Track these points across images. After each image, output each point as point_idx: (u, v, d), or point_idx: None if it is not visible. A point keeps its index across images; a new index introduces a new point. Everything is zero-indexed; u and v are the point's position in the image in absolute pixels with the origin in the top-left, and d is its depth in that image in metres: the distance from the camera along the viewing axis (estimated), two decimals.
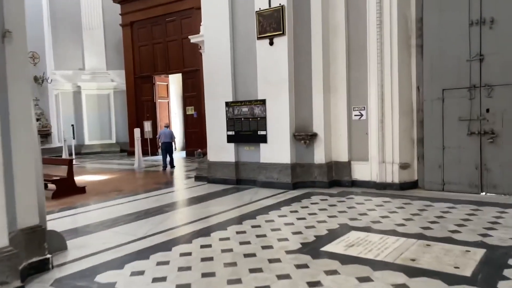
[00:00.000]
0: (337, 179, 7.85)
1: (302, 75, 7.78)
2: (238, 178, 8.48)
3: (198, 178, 9.22)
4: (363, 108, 7.63)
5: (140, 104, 16.86)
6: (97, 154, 18.23)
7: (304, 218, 5.55)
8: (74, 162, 10.09)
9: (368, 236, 4.65)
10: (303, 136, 7.69)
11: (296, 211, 5.97)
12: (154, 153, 16.21)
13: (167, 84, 17.01)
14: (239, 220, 5.62)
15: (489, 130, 6.51)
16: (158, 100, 16.58)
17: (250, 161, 8.37)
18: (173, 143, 12.42)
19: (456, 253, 3.99)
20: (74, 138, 16.30)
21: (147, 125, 12.20)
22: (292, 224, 5.31)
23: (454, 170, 6.86)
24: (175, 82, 17.46)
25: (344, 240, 4.57)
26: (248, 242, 4.60)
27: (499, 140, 6.45)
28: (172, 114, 18.43)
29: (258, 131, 8.11)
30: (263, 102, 7.99)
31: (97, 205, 7.17)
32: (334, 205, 6.28)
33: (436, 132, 7.01)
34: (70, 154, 14.86)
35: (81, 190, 8.37)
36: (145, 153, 16.45)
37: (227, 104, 8.50)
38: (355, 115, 7.73)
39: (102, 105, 18.67)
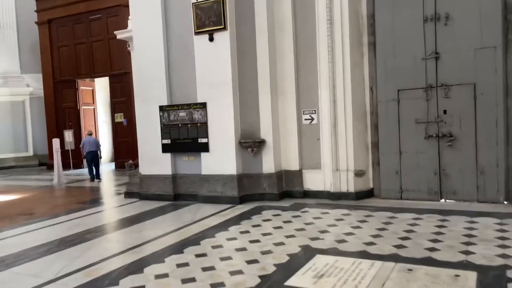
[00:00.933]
0: (288, 189, 7.10)
1: (247, 75, 6.95)
2: (176, 193, 7.43)
3: (129, 195, 8.00)
4: (313, 111, 6.98)
5: (61, 111, 15.02)
6: (10, 168, 15.99)
7: (258, 241, 4.68)
8: None
9: (338, 262, 3.89)
10: (250, 144, 6.85)
11: (247, 232, 5.09)
12: (79, 165, 14.51)
13: (92, 89, 15.37)
14: (180, 247, 4.60)
15: (447, 132, 6.13)
16: (83, 107, 14.88)
17: (190, 173, 7.35)
18: (98, 152, 11.42)
19: (445, 280, 3.34)
20: None
21: (68, 135, 10.65)
22: (245, 249, 4.41)
23: (412, 177, 6.41)
24: (102, 87, 15.86)
25: (310, 268, 3.75)
26: (193, 279, 3.62)
27: (457, 144, 6.08)
28: (99, 122, 16.74)
29: (199, 139, 7.13)
30: (203, 105, 7.04)
31: None
32: (289, 222, 5.48)
33: (392, 136, 6.52)
34: None
35: None
36: (67, 166, 14.71)
37: (161, 108, 7.43)
38: (305, 119, 7.05)
39: (16, 113, 16.46)
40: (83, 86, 14.92)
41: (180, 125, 7.29)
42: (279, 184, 7.00)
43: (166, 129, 7.42)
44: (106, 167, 14.95)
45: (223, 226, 5.43)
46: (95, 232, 5.56)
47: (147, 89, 7.58)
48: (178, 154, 7.45)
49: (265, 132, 6.97)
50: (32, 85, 16.52)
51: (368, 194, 6.79)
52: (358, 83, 6.71)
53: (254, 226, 5.35)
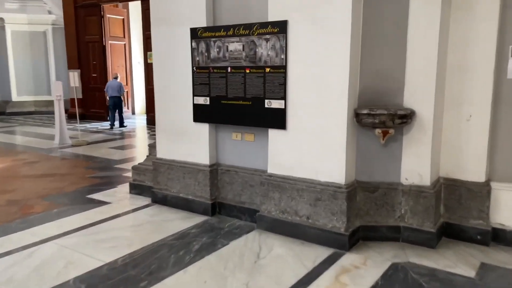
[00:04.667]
0: (452, 222, 3.29)
1: None
2: (218, 201, 3.90)
3: (136, 189, 4.59)
4: None
5: (83, 45, 11.78)
6: (29, 114, 13.30)
7: None
8: None
9: None
10: (382, 118, 3.02)
11: None
12: (93, 116, 11.50)
13: (123, 19, 11.88)
14: None
15: None
16: (110, 42, 11.51)
17: (245, 167, 3.76)
18: (122, 97, 10.38)
19: None
20: None
21: (74, 77, 7.43)
22: None
23: None
24: (138, 18, 12.26)
25: None
26: None
27: None
28: (134, 63, 13.42)
29: (267, 100, 3.42)
30: (279, 28, 3.24)
31: None
32: None
33: None
34: None
35: None
36: (88, 117, 11.72)
37: (194, 34, 3.73)
38: None
39: (37, 47, 13.47)
40: (110, 14, 11.45)
41: (229, 69, 3.59)
42: (436, 209, 3.20)
43: (203, 76, 3.76)
44: (138, 120, 11.77)
45: None
46: None
47: None
48: (223, 127, 3.83)
49: (416, 94, 3.09)
50: (55, 12, 13.30)
51: None
52: None
53: None
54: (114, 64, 11.64)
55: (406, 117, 3.03)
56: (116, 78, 10.33)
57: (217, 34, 3.60)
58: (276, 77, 3.33)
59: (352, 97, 3.08)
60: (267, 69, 3.38)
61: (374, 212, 3.26)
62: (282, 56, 3.27)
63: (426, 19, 3.00)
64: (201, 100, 3.82)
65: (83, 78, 11.71)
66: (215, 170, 3.90)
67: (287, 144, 3.36)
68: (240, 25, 3.46)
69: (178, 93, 3.98)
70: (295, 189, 3.30)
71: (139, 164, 4.72)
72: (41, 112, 13.45)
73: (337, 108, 3.07)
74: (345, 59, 2.98)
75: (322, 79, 3.10)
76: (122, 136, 9.18)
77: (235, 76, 3.57)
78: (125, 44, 12.09)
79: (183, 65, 3.87)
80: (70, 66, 11.87)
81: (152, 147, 4.80)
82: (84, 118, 11.85)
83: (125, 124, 10.55)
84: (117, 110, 10.30)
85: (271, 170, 3.48)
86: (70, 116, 11.59)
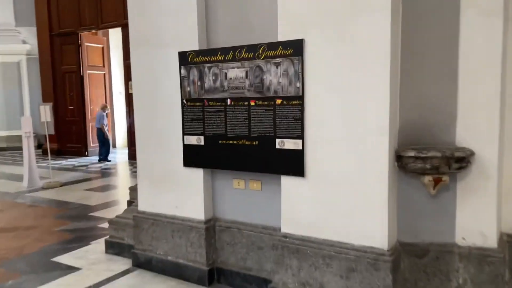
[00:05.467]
0: None
1: None
2: (215, 267, 3.09)
3: (113, 247, 3.74)
4: None
5: (59, 76, 10.98)
6: (1, 151, 12.30)
7: None
8: None
9: None
10: (435, 162, 2.30)
11: None
12: (70, 152, 10.69)
13: (102, 47, 11.18)
14: None
15: None
16: (88, 71, 10.74)
17: (250, 223, 2.98)
18: (101, 129, 9.58)
19: None
20: None
21: (45, 111, 6.58)
22: None
23: None
24: (119, 43, 11.56)
25: None
26: None
27: None
28: (115, 93, 12.66)
29: (277, 139, 2.68)
30: (294, 50, 2.55)
31: None
32: None
33: None
34: None
35: None
36: (67, 153, 10.82)
37: (184, 58, 3.02)
38: None
39: (10, 78, 12.64)
40: (89, 42, 10.74)
41: (229, 101, 2.87)
42: (503, 277, 2.46)
43: (195, 111, 3.02)
44: (119, 155, 10.90)
45: None
46: None
47: (152, 11, 3.18)
48: (221, 173, 3.06)
49: (473, 129, 2.41)
50: (30, 41, 12.54)
51: None
52: None
53: None
54: (92, 95, 10.85)
55: (464, 160, 2.33)
56: (103, 108, 9.74)
57: (213, 58, 2.89)
58: (290, 110, 2.62)
59: (392, 134, 2.37)
60: (278, 101, 2.66)
61: (424, 284, 2.50)
62: (298, 84, 2.57)
63: (483, 35, 2.35)
64: (193, 140, 3.07)
65: (59, 111, 10.93)
66: (212, 227, 3.11)
67: (306, 196, 2.61)
68: (242, 46, 2.76)
69: (164, 131, 3.22)
70: (320, 255, 2.53)
71: (117, 217, 3.88)
72: (14, 148, 12.40)
73: (374, 149, 2.35)
74: (385, 85, 2.29)
75: (353, 111, 2.39)
76: (101, 174, 8.30)
77: (236, 109, 2.85)
78: (104, 74, 11.34)
79: (170, 96, 3.14)
80: (45, 98, 11.03)
81: (133, 190, 4.01)
82: (61, 153, 10.95)
83: (109, 158, 9.85)
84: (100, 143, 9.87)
85: (286, 228, 2.71)
86: (45, 152, 10.69)
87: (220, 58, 2.86)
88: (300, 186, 2.63)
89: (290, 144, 2.64)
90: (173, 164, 3.19)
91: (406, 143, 2.48)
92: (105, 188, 6.90)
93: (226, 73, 2.86)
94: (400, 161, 2.40)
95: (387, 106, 2.29)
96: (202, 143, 3.03)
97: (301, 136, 2.60)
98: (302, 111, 2.57)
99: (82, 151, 10.68)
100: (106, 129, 9.61)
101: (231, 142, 2.90)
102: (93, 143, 10.72)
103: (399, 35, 2.41)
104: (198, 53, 2.96)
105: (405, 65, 2.45)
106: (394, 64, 2.34)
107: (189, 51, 2.99)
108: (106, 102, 11.11)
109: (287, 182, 2.68)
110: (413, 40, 2.44)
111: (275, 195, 2.82)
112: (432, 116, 2.46)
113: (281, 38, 2.61)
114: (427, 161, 2.30)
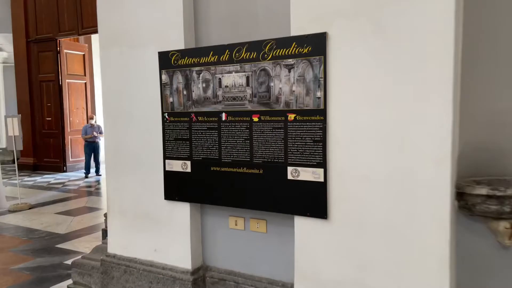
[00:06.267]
0: None
1: None
2: None
3: None
4: None
5: (36, 86, 10.18)
6: None
7: None
8: None
9: None
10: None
11: None
12: (47, 167, 9.88)
13: (83, 55, 10.42)
14: None
15: None
16: (67, 81, 9.97)
17: (251, 275, 2.27)
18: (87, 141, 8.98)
19: None
20: None
21: (12, 124, 5.81)
22: None
23: None
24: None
25: None
26: None
27: None
28: (98, 104, 11.85)
29: (290, 167, 2.00)
30: (314, 48, 1.89)
31: None
32: None
33: None
34: None
35: None
36: (26, 168, 10.00)
37: (166, 60, 2.33)
38: None
39: None
40: (68, 49, 9.98)
41: (224, 116, 2.18)
42: None
43: (180, 128, 2.33)
44: (101, 170, 10.07)
45: None
46: None
47: (125, 2, 2.49)
48: (213, 209, 2.36)
49: None
50: (7, 49, 11.71)
51: None
52: None
53: None
54: (72, 106, 10.06)
55: None
56: (91, 118, 9.15)
57: (203, 60, 2.21)
58: (307, 128, 1.94)
59: (454, 164, 1.70)
60: (291, 116, 1.99)
61: None
62: (319, 94, 1.90)
63: None
64: (177, 166, 2.37)
65: (35, 123, 10.14)
66: (201, 279, 2.39)
67: (330, 245, 1.92)
68: (242, 44, 2.08)
69: (140, 153, 2.52)
70: None
71: (82, 258, 3.13)
72: None
73: (430, 184, 1.68)
74: (446, 96, 1.63)
75: (397, 131, 1.72)
76: (78, 193, 7.51)
77: (234, 127, 2.16)
78: (86, 83, 10.57)
79: (148, 109, 2.44)
80: (20, 109, 10.23)
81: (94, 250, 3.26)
82: (37, 169, 10.10)
83: (91, 174, 9.17)
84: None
85: (300, 286, 2.01)
86: (22, 167, 9.87)
87: (212, 59, 2.18)
88: (322, 232, 1.94)
89: (308, 174, 1.96)
90: (151, 196, 2.48)
91: (466, 175, 1.82)
92: (81, 211, 6.10)
93: (220, 79, 2.18)
94: (462, 199, 1.73)
95: (449, 126, 1.63)
96: (189, 170, 2.33)
97: (322, 164, 1.92)
98: (324, 129, 1.90)
99: (60, 167, 9.85)
100: (92, 139, 8.92)
101: (227, 169, 2.21)
102: (72, 157, 9.91)
103: (461, 27, 1.75)
104: (183, 53, 2.27)
105: (468, 67, 1.79)
106: (456, 66, 1.68)
107: (173, 51, 2.30)
108: (87, 113, 10.33)
109: (303, 225, 1.99)
110: (480, 33, 1.79)
111: (285, 239, 2.13)
112: (506, 138, 1.81)
113: (295, 32, 1.94)
114: (505, 201, 1.64)
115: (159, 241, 2.49)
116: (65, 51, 9.89)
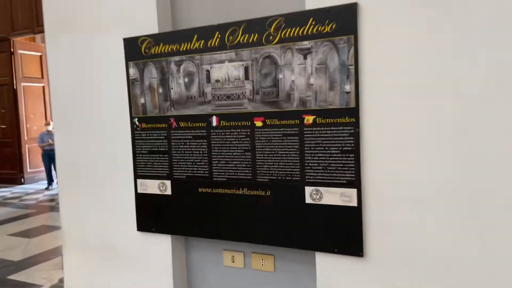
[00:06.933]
0: None
1: None
2: None
3: None
4: None
5: None
6: None
7: None
8: None
9: None
10: None
11: None
12: (2, 179, 9.00)
13: (41, 55, 9.55)
14: None
15: None
16: (23, 84, 9.09)
17: None
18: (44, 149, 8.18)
19: None
20: None
21: None
22: None
23: None
24: None
25: None
26: None
27: None
28: None
29: (308, 187, 1.48)
30: (340, 26, 1.39)
31: None
32: None
33: None
34: None
35: None
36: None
37: (134, 48, 1.77)
38: None
39: None
40: (23, 50, 9.10)
41: (215, 120, 1.64)
42: None
43: (155, 137, 1.76)
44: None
45: None
46: None
47: None
48: (202, 242, 1.81)
49: None
50: None
51: None
52: None
53: None
54: (29, 112, 9.18)
55: None
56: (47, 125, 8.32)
57: (184, 47, 1.66)
58: (332, 134, 1.43)
59: None
60: (309, 118, 1.47)
61: None
62: (348, 87, 1.39)
63: None
64: (153, 187, 1.80)
65: None
66: None
67: None
68: (238, 23, 1.55)
69: (102, 170, 1.93)
70: None
71: None
72: None
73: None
74: None
75: (466, 134, 1.24)
76: (38, 209, 6.72)
77: (229, 135, 1.62)
78: (44, 87, 9.69)
79: (111, 114, 1.87)
80: None
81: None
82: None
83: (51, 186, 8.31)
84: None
85: None
86: None
87: (197, 45, 1.63)
88: (355, 273, 1.43)
89: (334, 196, 1.45)
90: (120, 226, 1.90)
91: None
92: (39, 231, 5.37)
93: (208, 72, 1.63)
94: None
95: None
96: (169, 192, 1.77)
97: (355, 183, 1.41)
98: (356, 136, 1.39)
99: (17, 179, 8.96)
100: (50, 147, 8.13)
101: (220, 191, 1.66)
102: (30, 168, 9.05)
103: None
104: (157, 38, 1.71)
105: None
106: None
107: (143, 36, 1.74)
108: (46, 119, 9.47)
109: (329, 264, 1.48)
110: None
111: (300, 279, 1.61)
112: None
113: (312, 4, 1.43)
114: None
115: (133, 285, 1.91)
116: (19, 51, 9.01)
